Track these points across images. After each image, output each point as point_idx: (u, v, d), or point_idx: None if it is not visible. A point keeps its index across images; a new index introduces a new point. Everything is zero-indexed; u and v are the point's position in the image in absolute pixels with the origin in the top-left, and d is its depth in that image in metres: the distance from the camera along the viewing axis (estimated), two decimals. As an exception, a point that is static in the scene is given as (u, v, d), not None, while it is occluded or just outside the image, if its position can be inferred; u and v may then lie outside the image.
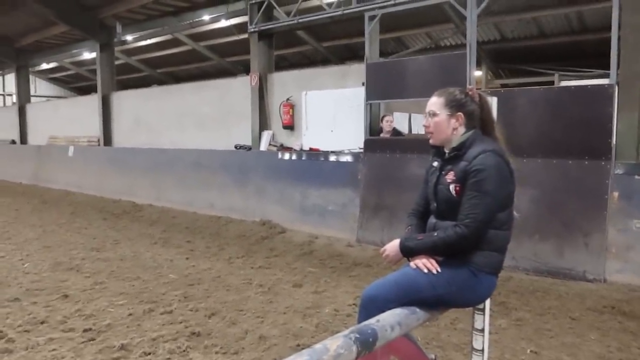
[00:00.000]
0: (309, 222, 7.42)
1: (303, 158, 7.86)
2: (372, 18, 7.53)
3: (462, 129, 2.39)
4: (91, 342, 3.60)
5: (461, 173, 2.28)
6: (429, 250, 2.33)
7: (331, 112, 8.18)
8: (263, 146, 8.93)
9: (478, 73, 13.90)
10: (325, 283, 5.02)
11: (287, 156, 8.04)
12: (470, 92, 2.42)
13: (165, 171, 9.95)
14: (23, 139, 17.91)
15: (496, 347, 3.50)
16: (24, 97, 18.06)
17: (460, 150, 2.35)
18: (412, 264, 2.34)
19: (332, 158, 7.46)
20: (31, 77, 20.32)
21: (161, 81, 22.51)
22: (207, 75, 20.55)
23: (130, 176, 10.84)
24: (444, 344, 3.60)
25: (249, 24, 9.74)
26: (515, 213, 2.41)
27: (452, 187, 2.31)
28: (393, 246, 2.41)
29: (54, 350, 3.45)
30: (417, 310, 2.22)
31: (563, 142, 5.46)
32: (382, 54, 8.12)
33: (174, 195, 9.62)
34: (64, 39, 16.49)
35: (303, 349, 3.33)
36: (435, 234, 2.31)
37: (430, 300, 2.26)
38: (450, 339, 3.67)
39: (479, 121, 2.41)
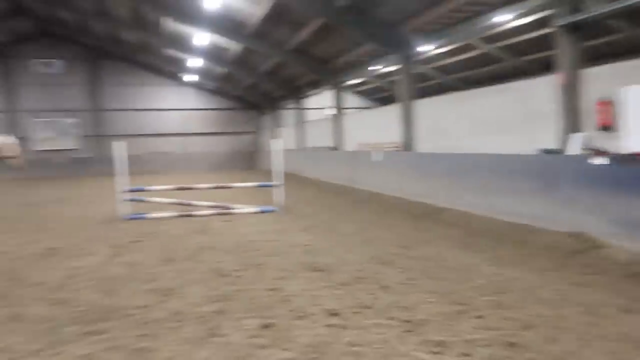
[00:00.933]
0: (636, 239, 6.34)
1: (626, 164, 6.79)
2: None
3: None
4: (410, 332, 3.92)
5: None
6: None
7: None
8: (573, 150, 8.12)
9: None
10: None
11: (603, 161, 7.08)
12: None
13: (464, 175, 10.06)
14: (339, 146, 20.87)
15: None
16: (338, 109, 21.03)
17: None
18: None
19: (667, 164, 6.22)
20: (343, 92, 23.48)
21: (453, 87, 22.91)
22: (499, 78, 19.94)
23: (429, 180, 11.35)
24: None
25: (553, 18, 9.01)
26: None
27: None
28: None
29: (380, 334, 3.89)
30: None
31: None
32: None
33: (473, 200, 9.63)
34: (369, 56, 18.50)
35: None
36: None
37: None
38: None
39: None
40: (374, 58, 18.75)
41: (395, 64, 16.16)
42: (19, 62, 29.81)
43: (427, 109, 13.68)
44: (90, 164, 29.30)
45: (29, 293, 5.23)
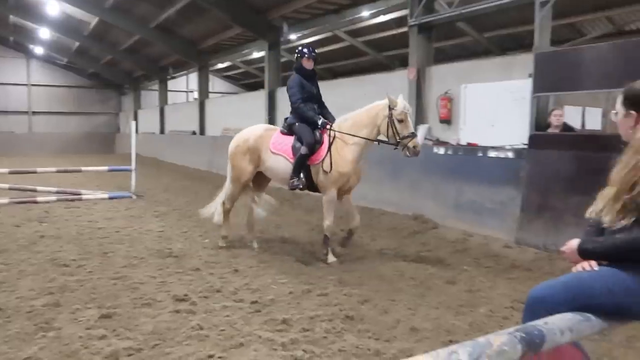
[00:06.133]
0: (464, 219, 7.19)
1: (460, 153, 7.63)
2: (543, 4, 6.98)
3: None
4: (257, 313, 3.98)
5: None
6: (610, 254, 2.14)
7: (492, 106, 7.78)
8: (419, 140, 8.85)
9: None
10: (480, 282, 4.85)
11: (442, 151, 7.89)
12: None
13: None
14: (202, 131, 20.27)
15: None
16: (203, 93, 20.41)
17: None
18: (574, 268, 2.20)
19: (492, 154, 7.11)
20: (209, 76, 22.84)
21: (320, 77, 23.55)
22: (363, 71, 20.96)
23: (290, 166, 11.58)
24: (618, 362, 3.25)
25: (409, 17, 9.72)
26: None
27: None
28: (571, 247, 2.27)
29: (227, 316, 3.89)
30: (592, 317, 2.05)
31: None
32: (552, 42, 7.48)
33: (329, 186, 10.04)
34: (237, 40, 18.22)
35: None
36: (618, 236, 2.11)
37: (606, 308, 2.07)
38: (626, 358, 3.29)
39: None
40: (243, 43, 18.52)
41: (263, 50, 16.14)
42: None
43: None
44: None
45: None
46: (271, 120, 14.36)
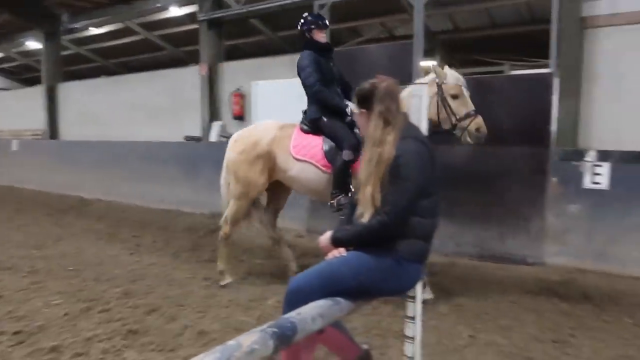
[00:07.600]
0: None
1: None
2: (321, 7, 7.48)
3: (373, 124, 2.36)
4: (20, 345, 3.44)
5: None
6: (356, 240, 2.33)
7: (281, 102, 8.08)
8: (213, 137, 8.77)
9: (430, 63, 14.04)
10: (271, 275, 4.99)
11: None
12: (375, 84, 2.41)
13: (114, 164, 9.65)
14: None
15: (434, 333, 3.55)
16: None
17: None
18: (326, 257, 2.37)
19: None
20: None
21: (114, 72, 21.80)
22: (161, 66, 19.89)
23: (77, 170, 10.47)
24: (384, 331, 3.62)
25: (197, 12, 9.54)
26: None
27: None
28: (325, 238, 2.42)
29: (-21, 355, 3.29)
30: (341, 300, 2.21)
31: (506, 129, 5.56)
32: (338, 43, 8.10)
33: (123, 189, 9.35)
34: (7, 28, 15.73)
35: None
36: (360, 222, 2.31)
37: (354, 289, 2.26)
38: (391, 327, 3.69)
39: (390, 112, 2.36)
40: (15, 32, 16.02)
41: (39, 41, 14.22)
42: None
43: (78, 93, 12.52)
44: None
45: None
46: (52, 120, 12.76)
